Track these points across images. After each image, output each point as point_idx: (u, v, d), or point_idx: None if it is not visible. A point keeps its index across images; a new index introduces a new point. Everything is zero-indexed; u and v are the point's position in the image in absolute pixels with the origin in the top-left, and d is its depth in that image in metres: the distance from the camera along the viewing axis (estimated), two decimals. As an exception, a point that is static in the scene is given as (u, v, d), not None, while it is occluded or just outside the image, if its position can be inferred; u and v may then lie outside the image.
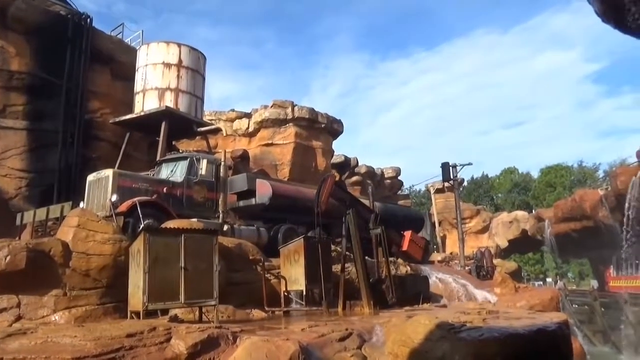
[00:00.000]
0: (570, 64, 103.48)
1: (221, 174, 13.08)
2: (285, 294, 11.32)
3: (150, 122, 16.21)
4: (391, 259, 17.17)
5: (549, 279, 50.25)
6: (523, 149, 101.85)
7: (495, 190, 61.59)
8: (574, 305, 26.14)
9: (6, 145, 15.53)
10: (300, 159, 26.96)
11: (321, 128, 28.00)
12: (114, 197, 10.78)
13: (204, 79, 17.83)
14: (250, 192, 14.76)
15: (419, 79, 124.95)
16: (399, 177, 42.16)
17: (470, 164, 24.39)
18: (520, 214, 38.39)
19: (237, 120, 28.73)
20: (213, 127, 16.96)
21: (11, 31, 15.69)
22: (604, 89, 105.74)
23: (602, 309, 24.21)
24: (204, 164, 12.63)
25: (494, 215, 40.65)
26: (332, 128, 28.78)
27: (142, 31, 18.77)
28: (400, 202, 42.75)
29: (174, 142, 18.01)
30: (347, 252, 12.09)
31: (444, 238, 41.61)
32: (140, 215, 10.35)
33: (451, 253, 33.15)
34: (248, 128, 28.19)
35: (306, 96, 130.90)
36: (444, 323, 5.79)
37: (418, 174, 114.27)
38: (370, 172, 38.89)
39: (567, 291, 29.90)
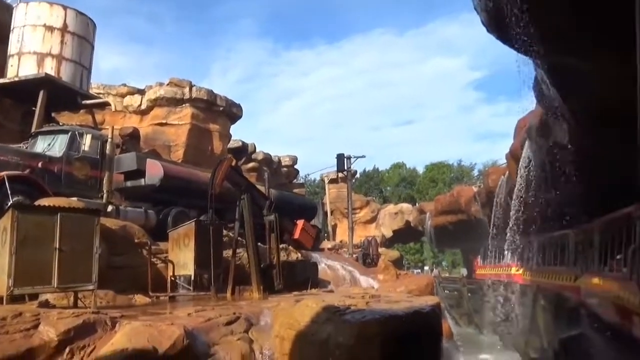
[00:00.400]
0: (457, 70, 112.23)
1: (107, 152, 12.18)
2: (173, 279, 10.95)
3: (25, 89, 14.53)
4: (283, 245, 17.47)
5: (426, 267, 54.43)
6: (411, 146, 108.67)
7: (384, 183, 65.03)
8: (445, 291, 28.73)
9: None
10: (195, 141, 26.04)
11: (219, 111, 27.27)
12: (-23, 170, 9.56)
13: (92, 47, 16.37)
14: (139, 173, 13.97)
15: (321, 71, 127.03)
16: (296, 166, 42.70)
17: (363, 156, 25.55)
18: (405, 206, 41.02)
19: (128, 96, 26.85)
20: (100, 100, 15.70)
21: None
22: (484, 96, 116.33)
23: (469, 294, 26.92)
24: (87, 139, 11.65)
25: (381, 207, 42.95)
26: (231, 112, 28.18)
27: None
28: (296, 191, 43.33)
29: (53, 114, 16.34)
30: (239, 238, 12.01)
31: (335, 227, 43.09)
32: (9, 191, 9.29)
33: (341, 241, 34.53)
34: (140, 105, 26.51)
35: (206, 78, 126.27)
36: (330, 306, 6.02)
37: (314, 164, 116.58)
38: (267, 159, 38.82)
39: (440, 278, 32.77)
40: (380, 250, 36.25)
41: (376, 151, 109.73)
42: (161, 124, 25.79)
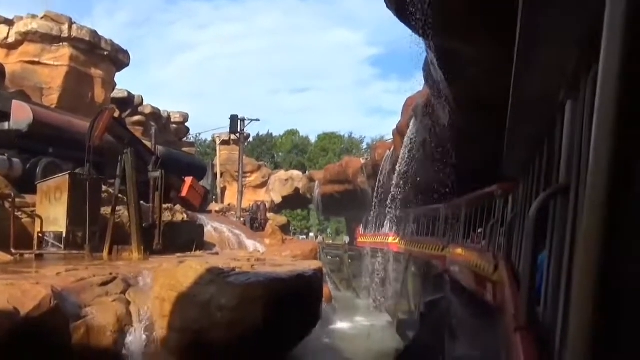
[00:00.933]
0: (356, 44, 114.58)
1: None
2: (40, 235, 10.02)
3: None
4: (168, 205, 16.82)
5: (311, 234, 56.19)
6: (306, 114, 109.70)
7: (277, 149, 65.16)
8: (328, 257, 30.02)
9: None
10: (73, 86, 23.56)
11: (103, 55, 24.90)
12: None
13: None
14: (3, 115, 12.37)
15: (220, 26, 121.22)
16: (186, 124, 40.89)
17: (257, 120, 25.25)
18: (295, 173, 41.62)
19: (-8, 25, 23.29)
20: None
21: None
22: (378, 72, 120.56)
23: (349, 261, 28.45)
24: None
25: (272, 172, 43.12)
26: (117, 58, 25.89)
27: None
28: (185, 150, 41.67)
29: None
30: (120, 195, 11.28)
31: (224, 189, 42.40)
32: None
33: (229, 204, 34.12)
34: (7, 38, 23.16)
35: (87, 17, 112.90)
36: (215, 268, 5.97)
37: (206, 124, 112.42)
38: (156, 114, 36.68)
39: (324, 244, 34.13)
40: (269, 215, 36.71)
41: (271, 116, 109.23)
42: (32, 62, 22.86)
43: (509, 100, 3.27)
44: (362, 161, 29.46)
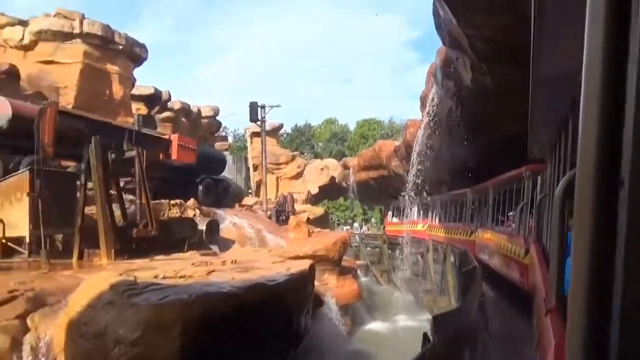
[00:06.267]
0: (396, 27, 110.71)
1: None
2: (3, 241, 8.90)
3: None
4: (179, 200, 15.56)
5: (355, 224, 54.39)
6: (345, 102, 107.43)
7: (316, 138, 63.63)
8: (367, 248, 28.18)
9: None
10: (89, 83, 22.92)
11: (119, 50, 24.12)
12: None
13: None
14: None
15: (262, 21, 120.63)
16: (217, 117, 40.13)
17: (278, 105, 23.57)
18: (330, 161, 39.92)
19: (7, 28, 23.00)
20: None
21: None
22: (419, 56, 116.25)
23: (389, 251, 26.47)
24: None
25: (308, 162, 41.64)
26: (133, 52, 25.08)
27: None
28: (218, 144, 41.06)
29: None
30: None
31: (259, 183, 41.39)
32: None
33: (274, 199, 32.93)
34: (23, 39, 22.81)
35: (134, 23, 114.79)
36: (122, 282, 4.37)
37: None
38: (185, 109, 36.14)
39: (363, 235, 32.27)
40: (305, 206, 35.21)
41: (311, 106, 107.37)
42: (47, 62, 22.39)
43: (530, 79, 3.14)
44: (396, 143, 27.24)
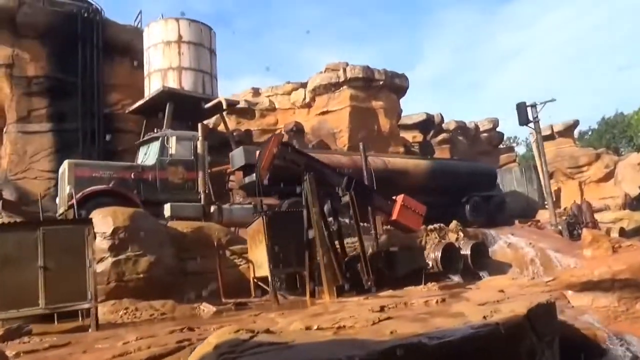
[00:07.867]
0: None
1: (199, 152, 11.86)
2: (255, 281, 9.83)
3: (157, 106, 15.59)
4: (437, 225, 14.55)
5: None
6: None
7: (633, 128, 51.72)
8: None
9: (35, 149, 16.17)
10: (358, 123, 24.60)
11: (379, 86, 25.24)
12: (68, 189, 10.23)
13: (211, 52, 16.66)
14: (252, 167, 13.37)
15: (542, 20, 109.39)
16: (497, 129, 37.24)
17: (553, 100, 19.85)
18: None
19: (294, 92, 27.32)
20: (215, 101, 15.68)
21: (23, 37, 16.12)
22: None
23: None
24: (173, 142, 11.48)
25: (619, 159, 33.88)
26: (394, 84, 25.80)
27: (140, 11, 18.24)
28: (504, 156, 38.00)
29: (191, 123, 17.23)
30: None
31: (558, 191, 35.78)
32: (76, 211, 9.59)
33: (565, 209, 28.13)
34: (305, 99, 26.62)
35: (419, 57, 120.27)
36: (230, 342, 3.73)
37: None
38: (462, 128, 35.04)
39: None
40: (621, 213, 28.28)
41: (619, 93, 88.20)
42: (323, 113, 25.27)
43: None
44: None
